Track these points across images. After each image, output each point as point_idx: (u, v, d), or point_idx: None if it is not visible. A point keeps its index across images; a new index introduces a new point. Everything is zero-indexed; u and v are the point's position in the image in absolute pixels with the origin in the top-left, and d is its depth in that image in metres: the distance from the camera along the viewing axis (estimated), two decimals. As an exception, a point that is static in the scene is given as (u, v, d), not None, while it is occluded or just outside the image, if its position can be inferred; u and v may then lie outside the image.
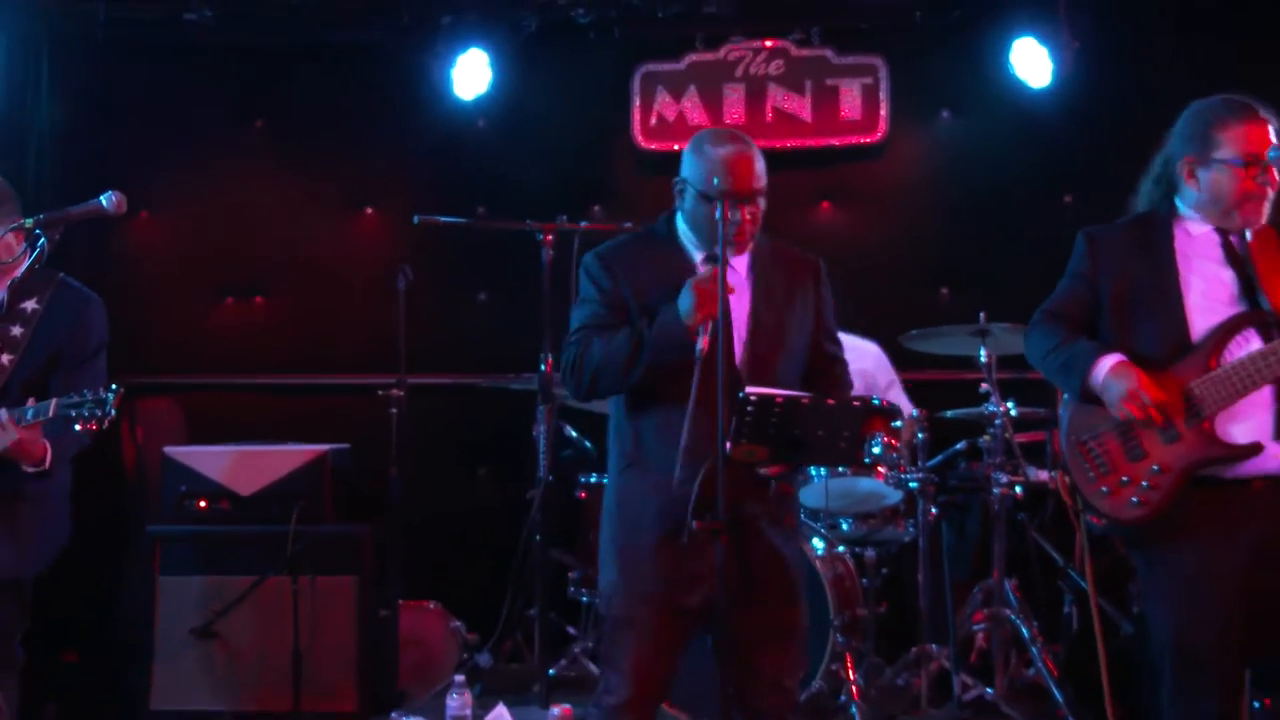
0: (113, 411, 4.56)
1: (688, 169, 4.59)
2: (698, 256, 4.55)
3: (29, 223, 4.65)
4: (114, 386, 4.55)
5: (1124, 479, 4.43)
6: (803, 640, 4.78)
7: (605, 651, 4.73)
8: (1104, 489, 4.46)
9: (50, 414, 4.51)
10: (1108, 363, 4.38)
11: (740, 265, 4.59)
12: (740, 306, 4.55)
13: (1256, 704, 4.86)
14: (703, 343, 4.27)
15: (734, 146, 4.54)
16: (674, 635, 4.58)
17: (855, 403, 5.94)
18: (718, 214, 4.31)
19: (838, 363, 4.82)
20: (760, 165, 4.50)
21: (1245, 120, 4.36)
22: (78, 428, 4.54)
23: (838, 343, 4.81)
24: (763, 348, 4.57)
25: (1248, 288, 4.42)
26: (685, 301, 4.32)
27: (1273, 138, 4.31)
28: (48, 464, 4.55)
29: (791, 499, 6.04)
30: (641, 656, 4.56)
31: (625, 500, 4.65)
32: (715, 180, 4.41)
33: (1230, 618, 4.39)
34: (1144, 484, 4.39)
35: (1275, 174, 4.27)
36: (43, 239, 4.50)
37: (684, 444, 4.33)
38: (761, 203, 4.51)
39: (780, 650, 4.62)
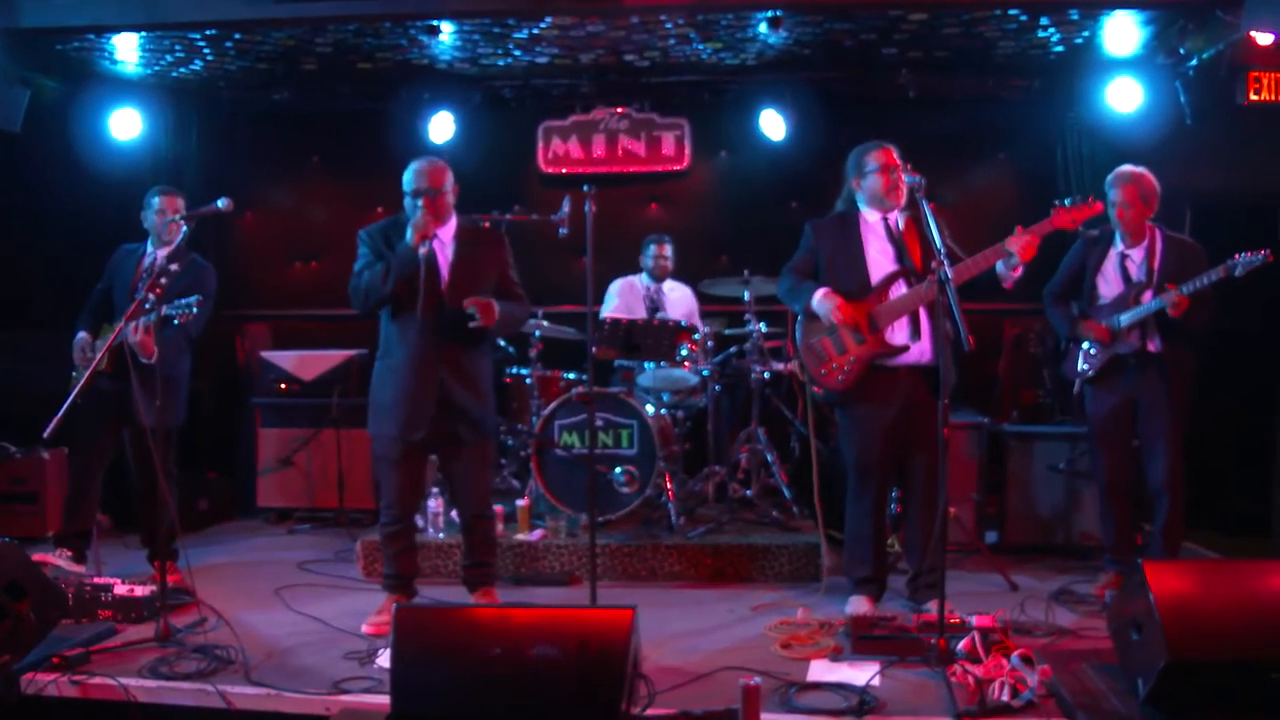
0: (195, 310, 4.58)
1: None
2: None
3: (179, 218, 4.87)
4: (195, 297, 4.61)
5: (834, 365, 4.54)
6: (489, 465, 4.77)
7: (375, 469, 4.71)
8: (822, 371, 4.55)
9: (162, 313, 4.51)
10: (820, 292, 4.49)
11: (445, 233, 4.45)
12: (444, 256, 4.43)
13: (895, 493, 4.96)
14: (423, 251, 4.28)
15: (424, 162, 4.44)
16: (410, 458, 4.48)
17: (671, 323, 5.84)
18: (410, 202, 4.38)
19: (515, 290, 4.60)
20: (437, 175, 4.38)
21: (879, 149, 4.52)
22: (176, 321, 4.64)
23: (516, 280, 4.62)
24: (459, 278, 4.41)
25: (900, 253, 4.52)
26: (408, 235, 4.27)
27: (896, 157, 4.48)
28: (154, 359, 4.50)
29: (631, 381, 5.92)
30: (397, 472, 4.48)
31: (379, 379, 4.54)
32: (409, 184, 4.38)
33: (884, 446, 4.53)
34: (845, 368, 4.49)
35: (902, 175, 4.31)
36: (185, 227, 4.77)
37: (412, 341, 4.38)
38: (442, 197, 4.37)
39: (476, 469, 4.59)
